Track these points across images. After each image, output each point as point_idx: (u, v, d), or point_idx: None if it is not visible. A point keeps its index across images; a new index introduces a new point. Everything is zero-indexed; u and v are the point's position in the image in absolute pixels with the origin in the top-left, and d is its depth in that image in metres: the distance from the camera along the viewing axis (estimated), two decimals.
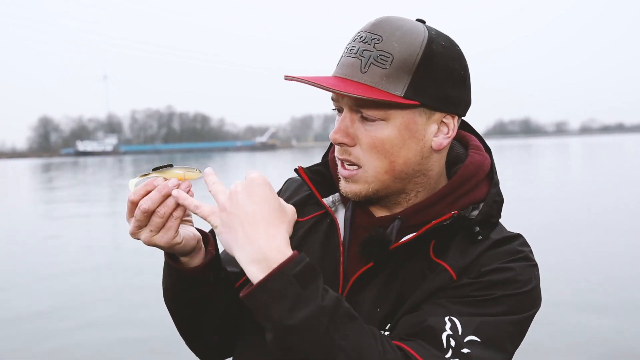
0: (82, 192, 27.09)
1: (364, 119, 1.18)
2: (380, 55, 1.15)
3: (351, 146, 1.20)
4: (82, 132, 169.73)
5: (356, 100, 1.17)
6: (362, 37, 1.18)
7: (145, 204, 1.13)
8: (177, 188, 1.14)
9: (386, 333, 1.16)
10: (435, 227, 1.19)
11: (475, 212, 1.23)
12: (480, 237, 1.20)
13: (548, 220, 13.03)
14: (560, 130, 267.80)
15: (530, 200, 16.82)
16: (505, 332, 1.12)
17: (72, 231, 14.29)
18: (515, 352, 1.18)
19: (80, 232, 14.10)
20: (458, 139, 1.35)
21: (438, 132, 1.22)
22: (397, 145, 1.19)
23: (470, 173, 1.26)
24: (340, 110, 1.23)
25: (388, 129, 1.18)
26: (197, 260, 1.24)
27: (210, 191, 1.08)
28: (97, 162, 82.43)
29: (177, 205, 1.15)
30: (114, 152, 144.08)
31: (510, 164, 38.70)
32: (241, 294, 1.01)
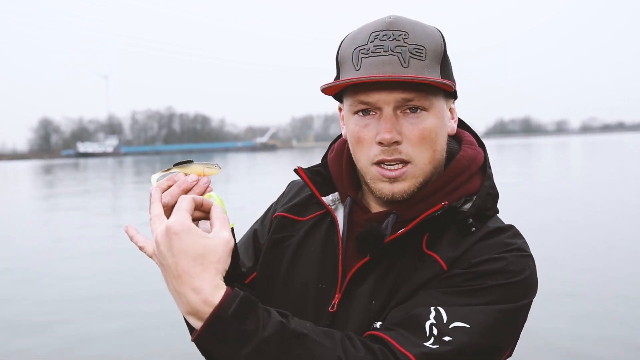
0: (83, 193, 27.09)
1: (405, 113, 1.20)
2: (414, 48, 1.18)
3: (400, 144, 1.21)
4: (82, 133, 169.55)
5: (407, 93, 1.18)
6: (384, 35, 1.19)
7: (165, 198, 1.16)
8: (197, 183, 1.17)
9: (378, 324, 1.18)
10: (427, 219, 1.21)
11: (468, 205, 1.24)
12: (473, 229, 1.21)
13: (548, 218, 13.02)
14: (561, 129, 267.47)
15: (530, 199, 16.81)
16: (493, 319, 1.12)
17: (73, 234, 14.28)
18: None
19: (81, 235, 14.09)
20: (452, 135, 1.37)
21: (450, 117, 1.30)
22: (438, 134, 1.23)
23: (462, 166, 1.28)
24: (366, 112, 1.23)
25: (430, 118, 1.21)
26: None
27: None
28: (98, 163, 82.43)
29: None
30: (115, 154, 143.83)
31: (511, 162, 38.67)
32: (192, 339, 1.04)
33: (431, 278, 1.18)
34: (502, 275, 1.15)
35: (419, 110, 1.20)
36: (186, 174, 1.19)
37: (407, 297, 1.18)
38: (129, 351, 6.00)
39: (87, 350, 6.06)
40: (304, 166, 1.41)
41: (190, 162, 1.20)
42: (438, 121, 1.22)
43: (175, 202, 1.14)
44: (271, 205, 1.52)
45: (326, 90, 1.23)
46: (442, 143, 1.25)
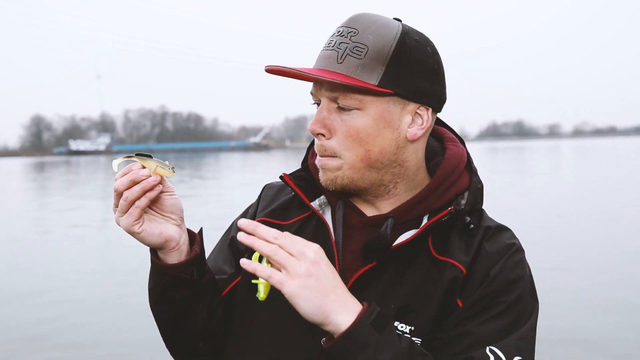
0: (74, 191, 26.96)
1: (341, 109, 1.22)
2: (355, 46, 1.19)
3: (328, 138, 1.24)
4: (75, 131, 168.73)
5: (332, 90, 1.20)
6: (340, 31, 1.22)
7: (116, 185, 1.19)
8: (147, 179, 1.19)
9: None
10: (435, 223, 1.24)
11: (463, 202, 1.29)
12: (472, 226, 1.26)
13: (541, 222, 13.06)
14: (553, 132, 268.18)
15: (524, 202, 16.86)
16: (532, 339, 1.23)
17: (64, 231, 14.21)
18: None
19: (72, 232, 14.02)
20: (431, 133, 1.38)
21: (412, 123, 1.25)
22: (373, 135, 1.22)
23: (452, 165, 1.31)
24: (319, 104, 1.26)
25: (363, 118, 1.21)
26: (171, 258, 1.27)
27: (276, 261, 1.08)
28: (90, 161, 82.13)
29: (142, 194, 1.19)
30: (107, 152, 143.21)
31: (504, 166, 38.77)
32: (325, 345, 1.10)
33: (452, 279, 1.22)
34: (520, 284, 1.23)
35: (352, 110, 1.21)
36: (144, 167, 1.20)
37: (431, 306, 1.22)
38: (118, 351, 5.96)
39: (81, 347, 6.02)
40: (292, 168, 1.43)
41: (150, 156, 1.22)
42: (374, 122, 1.21)
43: (124, 190, 1.18)
44: (247, 210, 1.50)
45: (270, 71, 1.24)
46: (382, 145, 1.24)
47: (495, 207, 1.35)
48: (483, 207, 1.35)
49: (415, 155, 1.30)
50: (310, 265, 1.08)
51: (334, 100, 1.22)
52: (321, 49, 1.25)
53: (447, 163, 1.31)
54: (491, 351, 1.16)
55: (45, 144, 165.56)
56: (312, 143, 1.43)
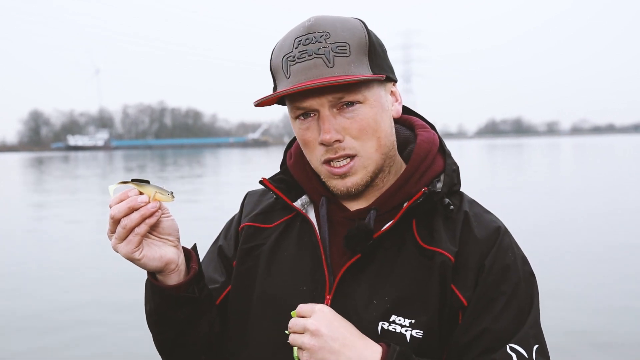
0: (73, 188, 26.88)
1: (342, 108, 1.22)
2: (337, 46, 1.19)
3: (341, 141, 1.23)
4: (73, 126, 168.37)
5: (336, 93, 1.19)
6: (307, 39, 1.21)
7: (113, 211, 1.16)
8: (146, 205, 1.16)
9: (390, 327, 1.21)
10: (410, 206, 1.24)
11: (440, 184, 1.29)
12: (452, 207, 1.27)
13: (537, 221, 13.06)
14: (552, 130, 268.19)
15: (521, 200, 16.85)
16: (539, 318, 1.25)
17: (62, 232, 14.18)
18: None
19: (69, 233, 13.99)
20: (401, 122, 1.41)
21: (393, 101, 1.31)
22: (378, 121, 1.24)
23: (425, 150, 1.32)
24: (305, 116, 1.25)
25: (366, 109, 1.22)
26: (171, 279, 1.26)
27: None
28: (88, 156, 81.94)
29: (141, 221, 1.16)
30: (105, 147, 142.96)
31: (502, 163, 38.69)
32: None
33: (444, 270, 1.22)
34: (515, 266, 1.25)
35: (354, 104, 1.21)
36: (141, 193, 1.18)
37: (429, 298, 1.21)
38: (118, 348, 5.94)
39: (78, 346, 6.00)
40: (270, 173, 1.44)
41: (147, 182, 1.19)
42: (375, 109, 1.23)
43: (122, 217, 1.15)
44: (232, 219, 1.49)
45: (260, 105, 1.25)
46: (386, 129, 1.26)
47: (494, 205, 1.37)
48: (482, 203, 1.35)
49: (396, 134, 1.34)
50: (311, 337, 1.13)
51: (336, 103, 1.21)
52: (284, 64, 1.22)
53: (420, 148, 1.32)
54: (512, 349, 1.17)
55: (44, 139, 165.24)
56: (289, 146, 1.45)
